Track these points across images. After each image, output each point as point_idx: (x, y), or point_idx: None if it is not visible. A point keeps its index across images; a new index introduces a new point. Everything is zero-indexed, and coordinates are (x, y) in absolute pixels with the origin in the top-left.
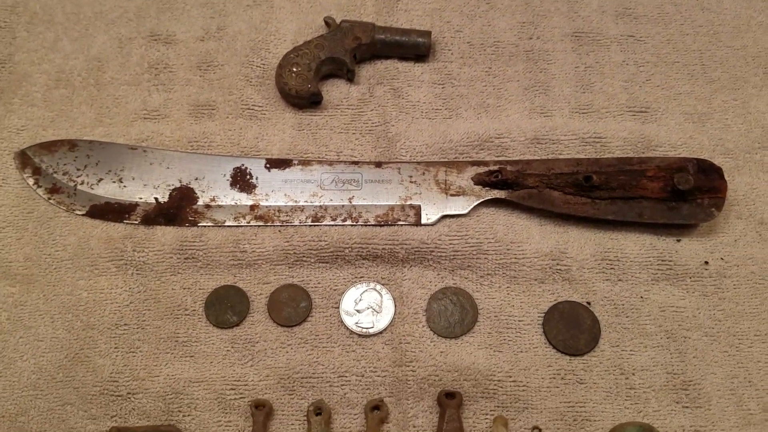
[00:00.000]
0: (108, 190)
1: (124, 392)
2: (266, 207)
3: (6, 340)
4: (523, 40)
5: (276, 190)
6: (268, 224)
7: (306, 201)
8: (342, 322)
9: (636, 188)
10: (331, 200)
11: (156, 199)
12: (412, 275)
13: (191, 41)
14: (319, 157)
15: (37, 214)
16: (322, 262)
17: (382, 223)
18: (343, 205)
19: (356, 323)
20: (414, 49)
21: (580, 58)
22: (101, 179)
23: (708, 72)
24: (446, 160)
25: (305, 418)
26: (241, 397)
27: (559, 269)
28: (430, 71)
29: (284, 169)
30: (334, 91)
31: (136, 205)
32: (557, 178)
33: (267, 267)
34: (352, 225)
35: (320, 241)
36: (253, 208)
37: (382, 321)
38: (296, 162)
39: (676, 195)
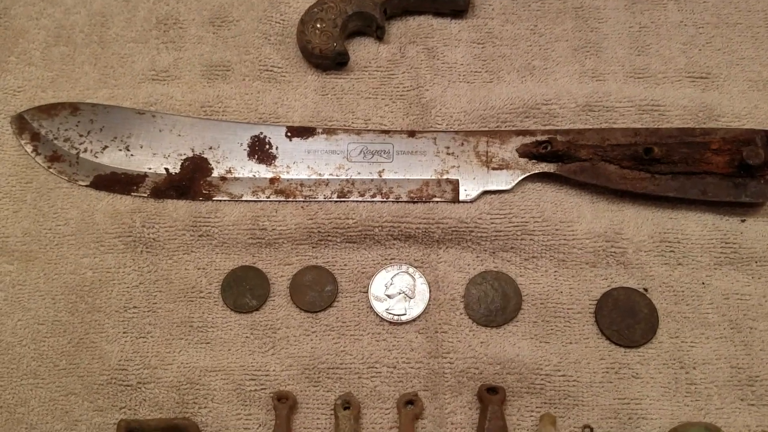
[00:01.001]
0: (114, 159)
1: (134, 381)
2: (287, 180)
3: (3, 323)
4: None
5: (298, 162)
6: (290, 199)
7: (331, 174)
8: (371, 308)
9: (700, 162)
10: (359, 173)
11: (166, 169)
12: (449, 257)
13: None
14: (345, 125)
15: (36, 185)
16: (349, 242)
17: (416, 200)
18: (372, 179)
19: (387, 310)
20: (451, 3)
21: (634, 17)
22: (106, 147)
23: None
24: (487, 129)
25: (332, 412)
26: (262, 389)
27: (614, 252)
28: (468, 29)
29: (307, 138)
30: (361, 50)
31: (145, 176)
32: (613, 149)
33: (289, 246)
34: (382, 201)
35: (347, 218)
36: (272, 181)
37: (416, 307)
38: (320, 130)
39: (743, 170)
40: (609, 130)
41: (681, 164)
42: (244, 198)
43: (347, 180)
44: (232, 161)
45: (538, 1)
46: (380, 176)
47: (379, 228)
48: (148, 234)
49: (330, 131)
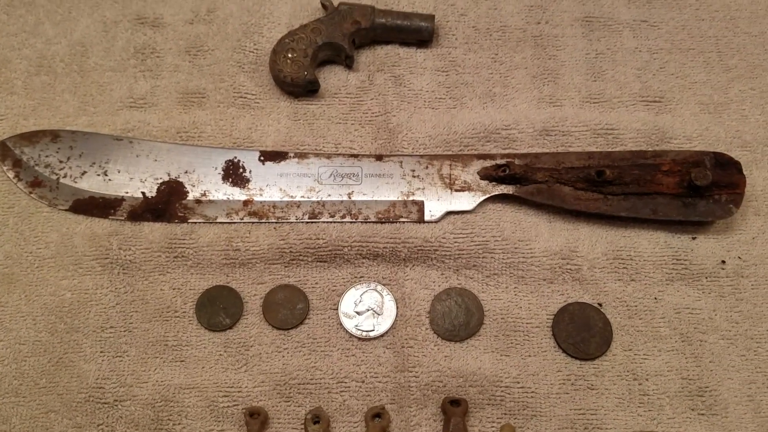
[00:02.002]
0: (92, 184)
1: (111, 399)
2: (260, 202)
3: None
4: (531, 25)
5: (271, 185)
6: (263, 221)
7: (303, 196)
8: (341, 324)
9: (650, 183)
10: (330, 195)
11: (143, 193)
12: (415, 275)
13: (180, 24)
14: (316, 149)
15: (17, 209)
16: (320, 261)
17: (383, 220)
18: (341, 201)
19: (356, 326)
20: (416, 33)
21: (590, 44)
22: (85, 172)
23: (724, 60)
24: (451, 153)
25: (302, 426)
26: (234, 405)
27: (569, 269)
28: (433, 57)
29: (279, 162)
30: (331, 78)
31: (122, 199)
32: (568, 172)
33: (261, 266)
34: (351, 222)
35: (318, 239)
36: (246, 203)
37: (384, 323)
38: (292, 154)
39: (692, 191)
40: (564, 153)
41: (633, 185)
42: (218, 220)
43: (318, 202)
44: (207, 185)
45: (499, 31)
46: (349, 198)
47: (349, 247)
48: (125, 256)
49: (301, 155)
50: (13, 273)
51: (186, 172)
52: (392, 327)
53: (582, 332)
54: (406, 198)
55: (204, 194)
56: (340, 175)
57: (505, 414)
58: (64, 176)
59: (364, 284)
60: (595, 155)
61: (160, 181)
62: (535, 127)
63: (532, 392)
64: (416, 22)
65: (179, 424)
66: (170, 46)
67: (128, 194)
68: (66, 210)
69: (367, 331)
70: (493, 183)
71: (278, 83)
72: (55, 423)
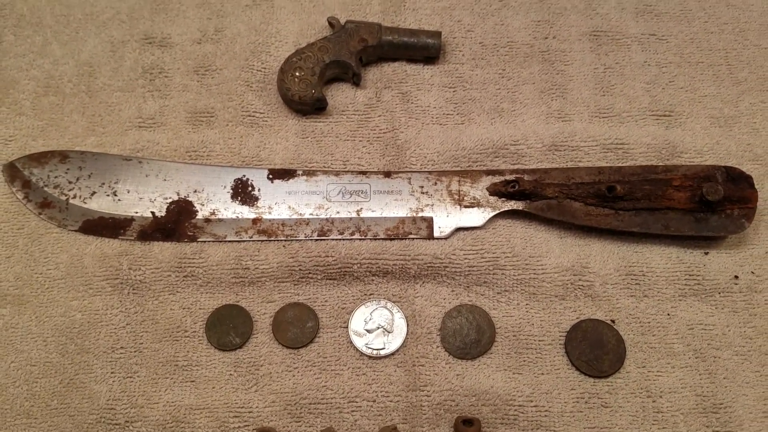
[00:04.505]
0: (102, 204)
1: (122, 420)
2: (269, 220)
3: None
4: (538, 40)
5: (279, 203)
6: (272, 239)
7: (311, 214)
8: (351, 343)
9: (662, 198)
10: (338, 213)
11: (153, 213)
12: (425, 292)
13: (188, 44)
14: (324, 167)
15: (27, 231)
16: (330, 279)
17: (393, 237)
18: (350, 218)
19: (366, 344)
20: (423, 50)
21: (599, 58)
22: (94, 192)
23: (734, 73)
24: (459, 169)
25: None
26: (245, 425)
27: (581, 285)
28: (440, 74)
29: (288, 180)
30: (339, 95)
31: (132, 219)
32: (578, 188)
33: (271, 285)
34: (360, 239)
35: (327, 256)
36: (255, 221)
37: (394, 342)
38: (300, 172)
39: (703, 205)
40: (574, 169)
41: (644, 201)
42: (227, 239)
43: (327, 219)
44: (216, 203)
45: (506, 47)
46: (358, 215)
47: (358, 265)
48: (135, 276)
49: (310, 173)
50: (24, 294)
51: (195, 191)
52: (403, 345)
53: (595, 349)
54: (415, 214)
55: (213, 213)
56: (349, 192)
57: None
58: (74, 197)
59: (374, 302)
60: (605, 170)
61: (169, 200)
62: (544, 143)
63: (546, 411)
64: (423, 38)
65: None
66: (178, 65)
67: (138, 214)
68: (76, 231)
69: (377, 350)
70: (503, 199)
71: (286, 101)
72: None
